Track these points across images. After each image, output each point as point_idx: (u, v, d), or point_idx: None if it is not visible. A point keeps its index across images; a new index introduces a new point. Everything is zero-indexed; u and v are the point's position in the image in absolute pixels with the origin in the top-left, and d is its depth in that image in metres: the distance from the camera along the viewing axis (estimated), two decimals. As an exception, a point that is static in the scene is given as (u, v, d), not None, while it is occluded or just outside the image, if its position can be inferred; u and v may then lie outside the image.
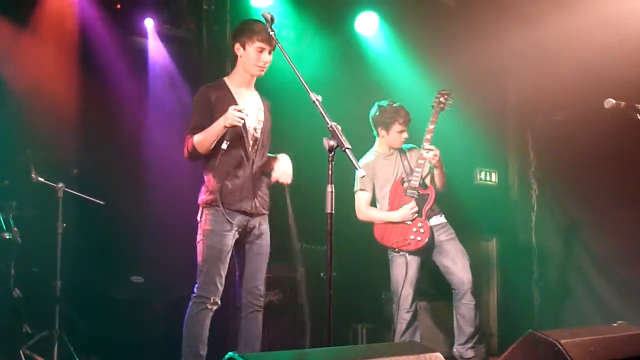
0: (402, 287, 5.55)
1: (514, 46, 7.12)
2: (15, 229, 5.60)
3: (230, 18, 6.69)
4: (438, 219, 5.68)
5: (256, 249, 4.66)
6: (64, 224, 5.74)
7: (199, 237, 4.51)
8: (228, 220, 4.44)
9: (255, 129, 4.60)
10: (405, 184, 5.62)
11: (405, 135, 5.71)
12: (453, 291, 5.61)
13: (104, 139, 6.54)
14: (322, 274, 6.16)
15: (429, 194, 5.61)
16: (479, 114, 6.43)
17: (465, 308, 5.53)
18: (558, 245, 7.30)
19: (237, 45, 4.57)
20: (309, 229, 5.69)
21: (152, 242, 6.51)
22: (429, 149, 5.49)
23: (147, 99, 6.80)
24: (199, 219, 4.54)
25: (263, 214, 4.67)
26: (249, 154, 4.57)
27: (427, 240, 5.53)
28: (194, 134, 4.42)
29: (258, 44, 4.48)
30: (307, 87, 3.58)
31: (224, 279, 4.48)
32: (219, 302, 4.47)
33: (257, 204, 4.59)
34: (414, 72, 7.19)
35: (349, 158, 3.33)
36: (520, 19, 6.89)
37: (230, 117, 4.25)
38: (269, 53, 4.52)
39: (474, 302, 5.54)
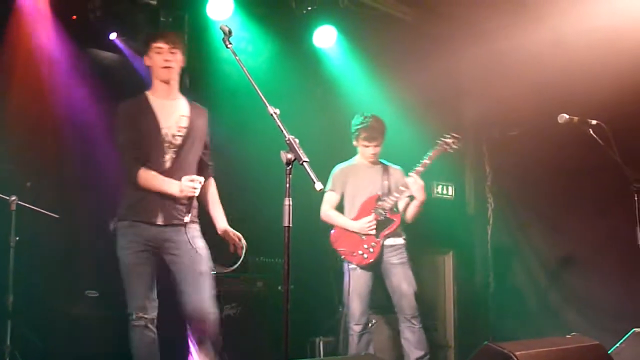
0: (350, 299, 5.56)
1: (470, 62, 7.22)
2: (-33, 242, 5.53)
3: (188, 30, 6.67)
4: (395, 240, 5.69)
5: (188, 264, 4.35)
6: (17, 238, 5.64)
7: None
8: (134, 234, 4.32)
9: (173, 136, 4.39)
10: (379, 202, 5.64)
11: (371, 150, 5.73)
12: (396, 314, 5.63)
13: (58, 151, 6.45)
14: (279, 287, 6.16)
15: (393, 220, 5.64)
16: (436, 127, 6.49)
17: (408, 331, 5.54)
18: (513, 258, 7.38)
19: (145, 58, 4.48)
20: (266, 241, 5.69)
21: (107, 255, 6.45)
22: (416, 180, 5.50)
23: (103, 111, 6.72)
24: None
25: (179, 225, 4.37)
26: (162, 161, 4.36)
27: (372, 260, 5.56)
28: (135, 158, 4.29)
29: (155, 46, 4.37)
30: (264, 99, 3.57)
31: (151, 293, 4.36)
32: (153, 318, 4.32)
33: (168, 215, 4.35)
34: (372, 85, 7.24)
35: (307, 171, 3.32)
36: (476, 35, 6.98)
37: (185, 188, 4.19)
38: (171, 51, 4.39)
39: (418, 326, 5.53)
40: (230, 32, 3.86)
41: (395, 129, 5.82)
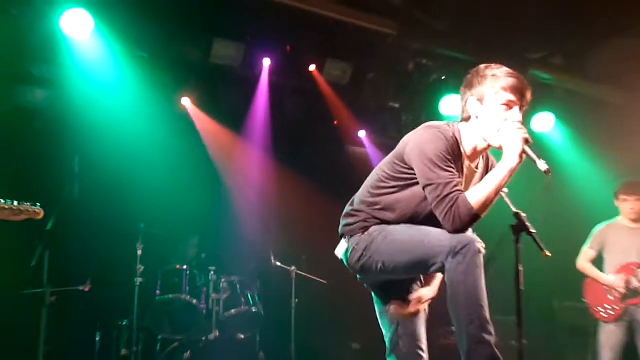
0: (602, 348, 5.11)
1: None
2: (260, 304, 5.86)
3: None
4: None
5: None
6: (297, 299, 5.90)
7: None
8: None
9: None
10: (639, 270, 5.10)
11: (630, 205, 5.18)
12: None
13: (321, 231, 6.63)
14: (513, 342, 5.80)
15: None
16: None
17: None
18: None
19: (473, 100, 2.84)
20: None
21: (365, 308, 6.49)
22: None
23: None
24: None
25: None
26: None
27: (612, 321, 5.05)
28: (457, 190, 2.67)
29: (507, 96, 2.76)
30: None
31: None
32: None
33: None
34: (587, 162, 6.77)
35: (535, 241, 3.02)
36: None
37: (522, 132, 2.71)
38: (521, 109, 2.80)
39: None
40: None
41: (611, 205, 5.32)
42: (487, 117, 2.78)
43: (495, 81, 2.77)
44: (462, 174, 2.84)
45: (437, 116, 6.63)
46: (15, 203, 3.77)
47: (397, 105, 6.79)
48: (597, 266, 5.29)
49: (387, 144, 7.02)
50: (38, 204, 3.86)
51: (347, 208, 3.06)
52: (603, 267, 5.26)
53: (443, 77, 6.40)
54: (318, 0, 5.56)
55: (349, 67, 6.19)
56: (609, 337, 5.08)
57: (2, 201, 3.72)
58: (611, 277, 5.10)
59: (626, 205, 5.20)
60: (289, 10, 5.47)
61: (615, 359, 5.05)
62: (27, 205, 3.79)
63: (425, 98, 6.56)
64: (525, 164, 2.73)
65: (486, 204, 2.66)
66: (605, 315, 5.08)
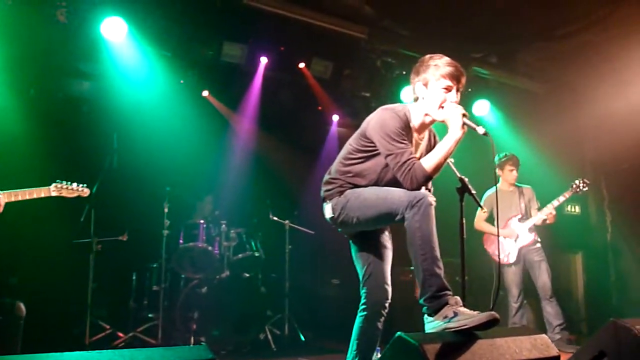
0: (509, 285, 5.33)
1: (588, 117, 6.75)
2: (261, 250, 6.00)
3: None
4: (534, 245, 5.34)
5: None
6: (290, 246, 6.07)
7: None
8: None
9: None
10: (520, 222, 5.37)
11: (515, 174, 5.43)
12: (540, 296, 5.29)
13: (309, 192, 6.71)
14: (457, 278, 6.04)
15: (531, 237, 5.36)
16: (564, 164, 6.17)
17: (549, 307, 5.19)
18: (628, 256, 6.73)
19: (419, 84, 2.95)
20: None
21: (343, 252, 6.67)
22: (552, 212, 5.22)
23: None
24: None
25: None
26: None
27: (510, 262, 5.29)
28: (413, 157, 2.80)
29: (445, 82, 2.87)
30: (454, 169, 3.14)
31: None
32: None
33: None
34: (515, 138, 6.97)
35: (474, 198, 3.14)
36: (590, 99, 6.58)
37: (460, 109, 2.82)
38: (457, 91, 2.90)
39: (555, 302, 5.17)
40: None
41: (534, 171, 5.54)
42: (431, 98, 2.88)
43: (437, 70, 2.86)
44: (412, 144, 2.94)
45: (399, 103, 6.73)
46: (74, 185, 3.94)
47: (367, 94, 6.83)
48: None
49: (359, 125, 7.13)
50: (85, 184, 4.00)
51: (326, 177, 3.10)
52: (493, 223, 5.47)
53: (404, 72, 6.45)
54: (306, 10, 5.53)
55: (330, 64, 6.19)
56: (512, 277, 5.32)
57: (63, 183, 3.86)
58: (505, 231, 5.36)
59: (511, 174, 5.42)
60: (282, 18, 5.43)
61: (519, 292, 5.30)
62: (77, 186, 3.94)
63: (390, 88, 6.59)
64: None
65: (437, 168, 2.78)
66: (506, 259, 5.34)
